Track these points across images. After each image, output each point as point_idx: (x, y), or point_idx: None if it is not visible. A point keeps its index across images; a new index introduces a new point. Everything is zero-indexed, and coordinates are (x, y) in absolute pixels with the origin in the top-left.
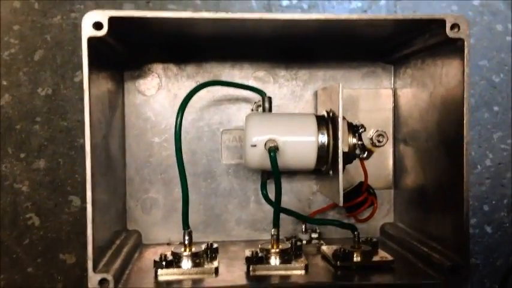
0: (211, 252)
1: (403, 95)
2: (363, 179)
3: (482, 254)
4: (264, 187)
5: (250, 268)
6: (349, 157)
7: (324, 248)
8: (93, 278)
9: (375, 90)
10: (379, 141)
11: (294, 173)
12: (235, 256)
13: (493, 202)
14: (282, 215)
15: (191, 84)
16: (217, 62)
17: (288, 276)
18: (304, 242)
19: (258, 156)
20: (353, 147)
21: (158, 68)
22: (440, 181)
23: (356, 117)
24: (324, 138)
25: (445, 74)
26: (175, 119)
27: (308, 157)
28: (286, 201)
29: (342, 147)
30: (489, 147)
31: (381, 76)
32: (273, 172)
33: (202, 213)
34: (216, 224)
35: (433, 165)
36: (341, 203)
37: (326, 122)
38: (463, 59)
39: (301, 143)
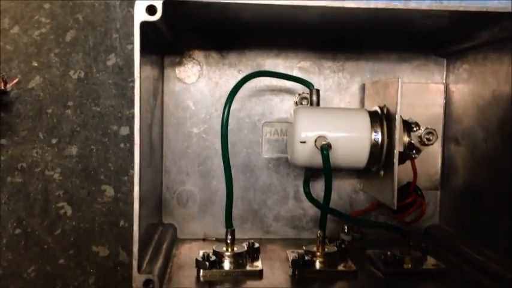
0: (252, 252)
1: (458, 91)
2: (407, 179)
3: None
4: (307, 185)
5: (296, 272)
6: (403, 157)
7: (370, 252)
8: (138, 279)
9: (426, 85)
10: (428, 140)
11: (336, 170)
12: (276, 256)
13: None
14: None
15: (233, 73)
16: (260, 50)
17: (334, 281)
18: (346, 243)
19: (306, 153)
20: (408, 147)
21: (199, 54)
22: (499, 183)
23: (403, 113)
24: (377, 136)
25: (507, 72)
26: (222, 111)
27: (360, 156)
28: None
29: (398, 147)
30: None
31: (432, 70)
32: (325, 171)
33: (240, 207)
34: (254, 219)
35: (491, 166)
36: (395, 206)
37: (380, 118)
38: None
39: (354, 141)
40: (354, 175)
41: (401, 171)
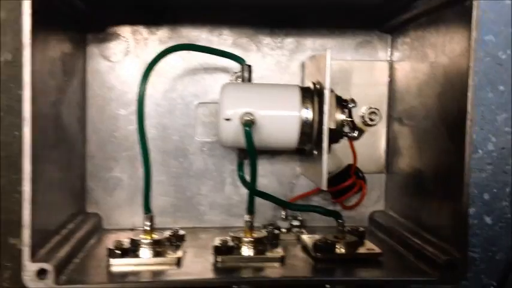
0: (176, 240)
1: (401, 68)
2: (350, 161)
3: (480, 247)
4: (240, 168)
5: (218, 259)
6: (335, 135)
7: (305, 237)
8: (30, 268)
9: (370, 63)
10: (371, 120)
11: (275, 152)
12: (205, 244)
13: (494, 190)
14: (260, 200)
15: None
16: (193, 26)
17: (260, 269)
18: (284, 230)
19: (232, 132)
20: (341, 124)
21: (126, 30)
22: (438, 165)
23: (347, 92)
24: (308, 113)
25: (449, 40)
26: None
27: (289, 134)
28: (266, 184)
29: (328, 124)
30: (492, 129)
31: (376, 47)
32: (248, 150)
33: (173, 195)
34: (188, 207)
35: (431, 146)
36: (324, 187)
37: (311, 94)
38: (470, 23)
39: (282, 118)
40: (295, 158)
41: (341, 153)
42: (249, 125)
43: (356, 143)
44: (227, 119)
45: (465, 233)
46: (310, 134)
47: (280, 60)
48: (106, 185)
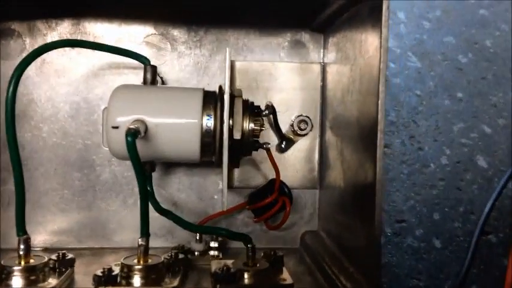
0: (60, 265)
1: (331, 71)
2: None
3: (426, 274)
4: (148, 183)
5: None
6: (245, 146)
7: (214, 263)
8: None
9: (301, 65)
10: (300, 129)
11: (193, 164)
12: (92, 270)
13: (446, 209)
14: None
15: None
16: (99, 19)
17: None
18: (197, 253)
19: (121, 142)
20: (250, 134)
21: (22, 26)
22: (356, 181)
23: (276, 98)
24: (209, 121)
25: (364, 40)
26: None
27: (189, 145)
28: (184, 199)
29: (234, 133)
30: (447, 141)
31: (308, 47)
32: (132, 163)
33: (76, 212)
34: (94, 226)
35: (351, 159)
36: (224, 207)
37: (215, 100)
38: (380, 19)
39: (180, 127)
40: (218, 171)
41: (266, 167)
42: (132, 134)
43: (286, 155)
44: (115, 127)
45: (378, 263)
46: (213, 144)
47: (198, 61)
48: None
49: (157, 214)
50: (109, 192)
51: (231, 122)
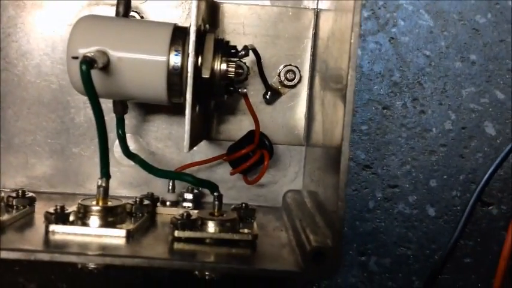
0: (18, 203)
1: (324, 18)
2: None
3: (416, 243)
4: (119, 124)
5: (50, 228)
6: (215, 88)
7: (179, 212)
8: None
9: (293, 10)
10: (288, 80)
11: (174, 112)
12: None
13: (444, 177)
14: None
15: None
16: None
17: (93, 245)
18: (168, 203)
19: None
20: (223, 75)
21: None
22: (332, 132)
23: (263, 45)
24: (177, 58)
25: None
26: None
27: (155, 83)
28: (161, 148)
29: (203, 71)
30: (453, 105)
31: None
32: (88, 95)
33: (49, 155)
34: (67, 171)
35: (330, 110)
36: (186, 149)
37: (185, 36)
38: None
39: (144, 62)
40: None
41: (248, 117)
42: (86, 62)
43: (272, 108)
44: (75, 57)
45: (338, 215)
46: (180, 84)
47: (183, 1)
48: None
49: (133, 163)
50: (83, 136)
51: (199, 59)
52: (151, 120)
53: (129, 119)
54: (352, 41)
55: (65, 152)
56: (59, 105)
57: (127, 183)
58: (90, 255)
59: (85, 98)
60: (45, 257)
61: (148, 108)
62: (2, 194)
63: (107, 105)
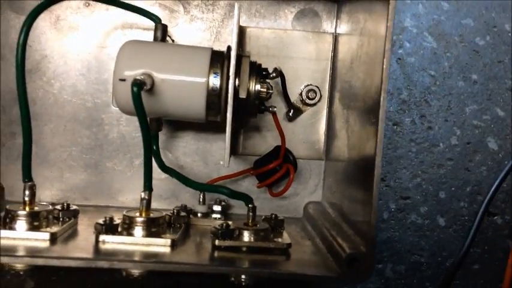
0: (64, 215)
1: (342, 41)
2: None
3: (428, 251)
4: (154, 140)
5: (100, 238)
6: (249, 107)
7: (216, 223)
8: None
9: (312, 34)
10: (309, 98)
11: (201, 128)
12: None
13: (452, 189)
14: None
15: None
16: None
17: (141, 253)
18: (199, 215)
19: (128, 95)
20: (256, 95)
21: None
22: (359, 151)
23: (286, 66)
24: (216, 80)
25: (378, 10)
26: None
27: (195, 103)
28: (189, 163)
29: (240, 92)
30: (458, 122)
31: (321, 16)
32: (137, 114)
33: (83, 169)
34: (100, 184)
35: (356, 128)
36: (226, 163)
37: (223, 59)
38: None
39: (186, 84)
40: (224, 137)
41: (272, 135)
42: (137, 84)
43: (294, 125)
44: (122, 79)
45: (370, 223)
46: (218, 103)
47: (210, 25)
48: (9, 152)
49: (163, 176)
50: (116, 152)
51: (237, 80)
52: (180, 137)
53: (159, 135)
54: (384, 66)
55: (99, 167)
56: (93, 122)
57: (157, 195)
58: (145, 262)
59: (118, 116)
60: (104, 264)
61: (178, 126)
62: (50, 207)
63: (134, 124)
